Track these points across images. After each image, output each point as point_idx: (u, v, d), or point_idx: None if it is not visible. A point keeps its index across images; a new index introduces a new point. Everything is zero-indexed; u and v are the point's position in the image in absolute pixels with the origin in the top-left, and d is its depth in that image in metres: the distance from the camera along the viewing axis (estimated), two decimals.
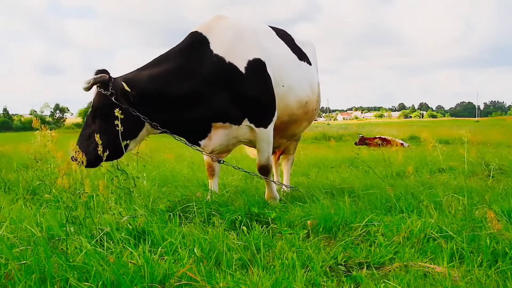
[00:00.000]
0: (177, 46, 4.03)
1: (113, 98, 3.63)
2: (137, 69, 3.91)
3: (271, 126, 4.19)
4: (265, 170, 4.37)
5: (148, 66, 3.90)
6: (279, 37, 4.61)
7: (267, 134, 4.18)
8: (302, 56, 4.79)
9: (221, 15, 4.22)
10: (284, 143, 5.08)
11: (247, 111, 4.02)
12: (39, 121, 4.59)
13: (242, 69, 3.94)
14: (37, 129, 4.37)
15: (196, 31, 4.03)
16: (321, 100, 5.56)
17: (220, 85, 3.88)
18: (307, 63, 4.88)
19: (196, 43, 3.94)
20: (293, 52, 4.64)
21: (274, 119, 4.21)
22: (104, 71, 3.74)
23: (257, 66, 4.02)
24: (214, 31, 4.01)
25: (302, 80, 4.62)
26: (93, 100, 3.80)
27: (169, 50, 4.00)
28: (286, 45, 4.59)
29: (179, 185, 5.05)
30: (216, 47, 3.93)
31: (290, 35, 4.92)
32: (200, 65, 3.87)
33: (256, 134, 4.13)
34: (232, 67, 3.92)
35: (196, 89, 3.84)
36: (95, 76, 3.65)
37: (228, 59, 3.92)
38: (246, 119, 4.05)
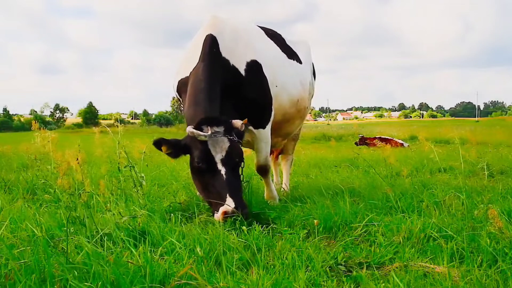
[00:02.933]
0: (204, 56, 3.83)
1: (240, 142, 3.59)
2: (206, 103, 3.66)
3: (268, 126, 4.19)
4: (263, 170, 4.37)
5: (209, 98, 3.68)
6: (269, 36, 4.59)
7: (265, 134, 4.17)
8: (291, 54, 4.77)
9: (217, 15, 4.17)
10: (280, 141, 5.08)
11: (246, 114, 3.96)
12: (38, 123, 4.61)
13: (242, 71, 3.91)
14: (37, 131, 4.41)
15: (211, 34, 3.89)
16: (312, 98, 5.55)
17: (228, 89, 3.84)
18: (298, 61, 4.87)
19: (214, 47, 3.86)
20: (283, 51, 4.63)
21: (272, 119, 4.20)
22: (225, 118, 3.56)
23: (255, 68, 4.00)
24: (220, 33, 3.93)
25: (293, 79, 4.61)
26: (232, 150, 3.46)
27: (205, 63, 3.79)
28: (275, 45, 4.57)
29: (179, 185, 5.05)
30: (223, 50, 3.88)
31: (279, 35, 4.91)
32: (220, 74, 3.82)
33: (254, 135, 4.12)
34: (235, 69, 3.89)
35: (224, 101, 3.79)
36: (242, 123, 3.54)
37: (232, 62, 3.89)
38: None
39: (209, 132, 3.40)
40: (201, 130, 3.43)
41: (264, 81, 4.06)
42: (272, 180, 5.65)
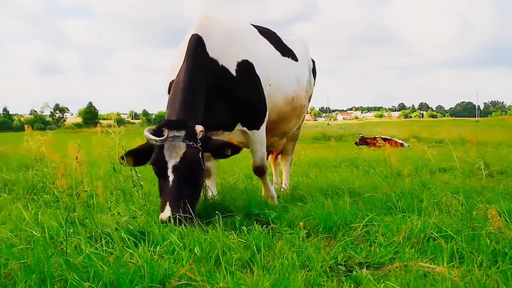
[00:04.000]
0: (187, 57, 3.76)
1: (200, 147, 3.39)
2: (181, 104, 3.54)
3: (263, 127, 4.14)
4: (260, 171, 4.34)
5: (186, 100, 3.56)
6: (262, 34, 4.54)
7: (260, 135, 4.13)
8: (286, 52, 4.72)
9: (208, 15, 4.12)
10: (277, 141, 5.04)
11: (239, 115, 3.94)
12: (30, 127, 4.63)
13: (233, 72, 3.86)
14: (28, 134, 4.42)
15: (196, 34, 3.83)
16: (311, 96, 5.51)
17: (217, 90, 3.79)
18: (293, 59, 4.80)
19: (198, 48, 3.80)
20: (277, 49, 4.57)
21: (266, 119, 4.16)
22: (189, 123, 3.41)
23: (247, 68, 3.94)
24: (207, 33, 3.88)
25: (288, 77, 4.56)
26: (186, 156, 3.30)
27: (185, 66, 3.71)
28: (269, 43, 4.52)
29: None
30: (211, 50, 3.81)
31: (274, 32, 4.85)
32: (205, 74, 3.76)
33: (249, 136, 4.07)
34: (224, 70, 3.83)
35: (210, 103, 3.73)
36: (201, 130, 3.38)
37: (221, 62, 3.83)
38: (239, 123, 3.99)
39: (164, 137, 3.27)
40: (161, 133, 3.32)
41: (257, 81, 4.00)
42: (272, 180, 5.65)
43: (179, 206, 3.15)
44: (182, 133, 3.34)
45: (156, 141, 3.26)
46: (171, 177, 3.26)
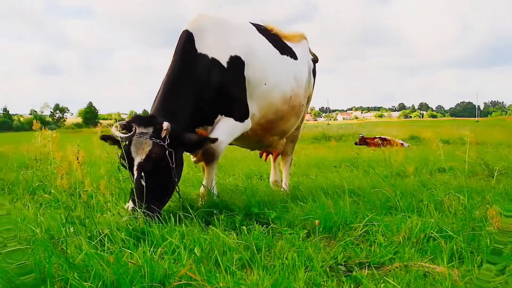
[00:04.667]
0: (175, 52, 3.85)
1: (166, 145, 3.33)
2: (159, 100, 3.64)
3: (241, 123, 4.02)
4: (209, 154, 3.95)
5: (166, 95, 3.64)
6: (260, 32, 4.53)
7: (232, 122, 3.97)
8: (284, 50, 4.70)
9: (203, 13, 4.14)
10: (276, 140, 5.01)
11: (222, 108, 3.92)
12: (39, 122, 4.62)
13: (225, 64, 3.88)
14: (37, 130, 4.42)
15: (186, 30, 3.90)
16: (311, 96, 5.50)
17: (206, 86, 3.81)
18: (292, 57, 4.77)
19: (187, 43, 3.84)
20: (275, 47, 4.56)
21: (247, 122, 4.10)
22: (158, 120, 3.41)
23: (239, 63, 3.95)
24: (200, 29, 3.91)
25: (286, 75, 4.54)
26: (151, 153, 3.32)
27: (172, 63, 3.79)
28: (267, 41, 4.51)
29: (179, 185, 5.04)
30: (201, 46, 3.84)
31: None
32: (196, 71, 3.78)
33: (222, 120, 3.96)
34: (214, 65, 3.84)
35: (199, 98, 3.75)
36: (166, 128, 3.32)
37: (211, 55, 3.85)
38: (219, 115, 3.97)
39: (129, 134, 3.27)
40: (130, 128, 3.33)
41: (243, 79, 4.00)
42: (270, 180, 5.63)
43: (140, 202, 3.22)
44: (149, 130, 3.36)
45: (121, 138, 3.29)
46: (135, 174, 3.31)
